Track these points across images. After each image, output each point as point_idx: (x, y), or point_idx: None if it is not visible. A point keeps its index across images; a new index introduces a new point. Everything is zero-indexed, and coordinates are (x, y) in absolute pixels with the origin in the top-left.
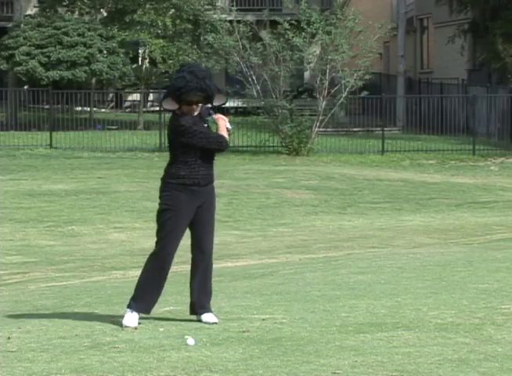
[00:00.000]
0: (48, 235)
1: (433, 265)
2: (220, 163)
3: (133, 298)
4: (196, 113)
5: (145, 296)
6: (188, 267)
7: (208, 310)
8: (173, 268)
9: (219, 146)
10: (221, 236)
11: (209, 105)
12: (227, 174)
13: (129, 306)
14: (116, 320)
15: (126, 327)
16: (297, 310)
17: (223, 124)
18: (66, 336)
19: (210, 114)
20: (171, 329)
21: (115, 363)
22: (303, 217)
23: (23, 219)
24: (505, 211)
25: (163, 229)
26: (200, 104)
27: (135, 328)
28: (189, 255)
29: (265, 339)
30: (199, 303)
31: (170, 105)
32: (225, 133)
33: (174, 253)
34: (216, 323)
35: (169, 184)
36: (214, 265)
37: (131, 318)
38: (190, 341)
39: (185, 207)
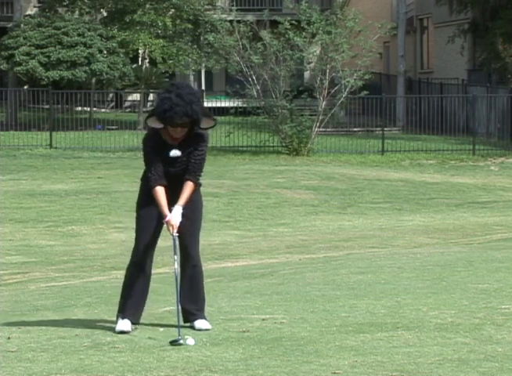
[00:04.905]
0: (48, 235)
1: (433, 265)
2: (220, 163)
3: (119, 309)
4: (179, 135)
5: (130, 304)
6: None
7: (200, 317)
8: (172, 269)
9: (148, 180)
10: (221, 236)
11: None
12: (227, 174)
13: (117, 317)
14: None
15: (121, 332)
16: (297, 310)
17: (170, 228)
18: (66, 336)
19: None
20: (171, 329)
21: (115, 363)
22: (303, 217)
23: (23, 219)
24: (505, 211)
25: (135, 232)
26: (186, 128)
27: (136, 328)
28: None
29: (264, 339)
30: (188, 311)
31: (155, 123)
32: (164, 206)
33: (149, 256)
34: (209, 329)
35: (142, 184)
36: (214, 266)
37: (123, 323)
38: (190, 341)
39: (151, 210)
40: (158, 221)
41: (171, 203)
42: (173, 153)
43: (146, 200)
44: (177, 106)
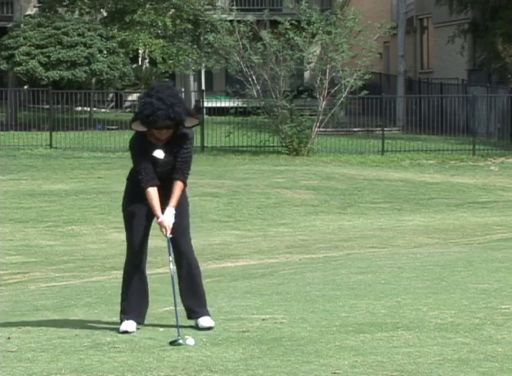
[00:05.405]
0: (48, 235)
1: (433, 265)
2: (220, 163)
3: (122, 311)
4: (165, 136)
5: (133, 305)
6: None
7: (202, 314)
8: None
9: (140, 182)
10: (221, 236)
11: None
12: (227, 174)
13: (122, 319)
14: (116, 320)
15: (124, 332)
16: (297, 310)
17: (163, 229)
18: (66, 336)
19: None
20: (171, 329)
21: (115, 363)
22: (303, 217)
23: (23, 219)
24: (505, 211)
25: (126, 231)
26: (171, 129)
27: (138, 328)
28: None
29: (264, 339)
30: (190, 309)
31: (139, 127)
32: (157, 208)
33: (143, 253)
34: (212, 327)
35: (128, 183)
36: (214, 266)
37: (128, 324)
38: (190, 341)
39: (139, 208)
40: (147, 218)
41: (162, 203)
42: (156, 154)
43: (131, 199)
44: (158, 110)
